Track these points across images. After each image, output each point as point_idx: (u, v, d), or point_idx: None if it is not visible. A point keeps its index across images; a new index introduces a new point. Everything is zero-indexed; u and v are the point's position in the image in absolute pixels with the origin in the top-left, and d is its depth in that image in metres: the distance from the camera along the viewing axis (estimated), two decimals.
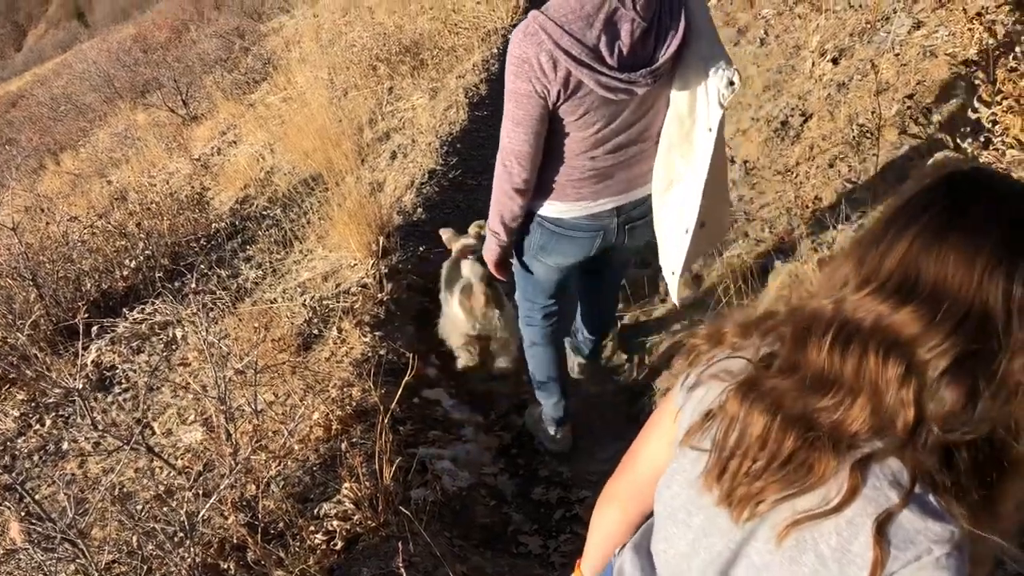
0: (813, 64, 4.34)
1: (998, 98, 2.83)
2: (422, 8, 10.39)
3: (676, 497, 1.14)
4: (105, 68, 16.18)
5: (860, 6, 4.73)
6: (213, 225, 6.15)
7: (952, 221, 0.90)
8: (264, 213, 6.22)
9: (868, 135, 3.62)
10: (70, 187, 10.98)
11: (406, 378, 2.73)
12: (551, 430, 3.17)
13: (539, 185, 2.35)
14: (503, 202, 2.36)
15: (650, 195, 2.41)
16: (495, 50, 7.49)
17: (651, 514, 1.26)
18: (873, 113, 3.74)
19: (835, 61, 4.35)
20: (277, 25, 15.91)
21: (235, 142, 9.44)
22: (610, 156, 2.30)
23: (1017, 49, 2.88)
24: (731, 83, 2.12)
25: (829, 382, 0.96)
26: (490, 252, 2.59)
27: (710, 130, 2.19)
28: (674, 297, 2.66)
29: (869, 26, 4.50)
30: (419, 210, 4.73)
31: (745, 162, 3.98)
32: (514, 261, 2.70)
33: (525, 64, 2.05)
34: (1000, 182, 0.94)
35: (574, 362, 3.45)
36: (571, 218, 2.42)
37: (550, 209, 2.41)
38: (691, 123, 2.23)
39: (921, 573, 0.90)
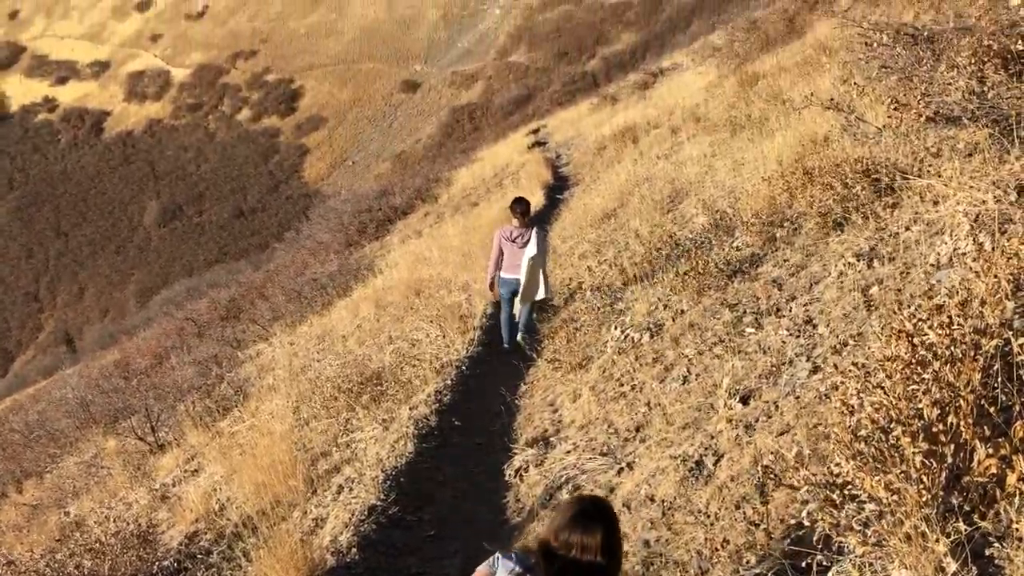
0: (725, 404, 4.67)
1: None
2: (390, 339, 11.03)
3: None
4: (83, 394, 16.57)
5: (768, 349, 5.18)
6: (156, 564, 6.08)
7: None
8: (210, 549, 6.19)
9: (771, 477, 3.84)
10: (26, 519, 10.83)
11: None
12: (504, 341, 9.04)
13: (499, 266, 8.75)
14: (488, 268, 8.93)
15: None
16: (448, 382, 7.87)
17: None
18: (775, 455, 3.99)
19: (745, 401, 4.69)
20: (255, 352, 16.61)
21: (196, 471, 9.53)
22: (512, 265, 8.58)
23: None
24: (531, 256, 8.44)
25: None
26: (486, 282, 9.05)
27: (529, 261, 8.41)
28: (515, 307, 8.85)
29: (775, 368, 4.91)
30: (353, 550, 4.78)
31: (663, 501, 4.14)
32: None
33: (496, 234, 8.80)
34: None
35: (518, 337, 8.82)
36: (504, 276, 8.70)
37: (501, 274, 8.73)
38: (526, 262, 8.46)
39: None
